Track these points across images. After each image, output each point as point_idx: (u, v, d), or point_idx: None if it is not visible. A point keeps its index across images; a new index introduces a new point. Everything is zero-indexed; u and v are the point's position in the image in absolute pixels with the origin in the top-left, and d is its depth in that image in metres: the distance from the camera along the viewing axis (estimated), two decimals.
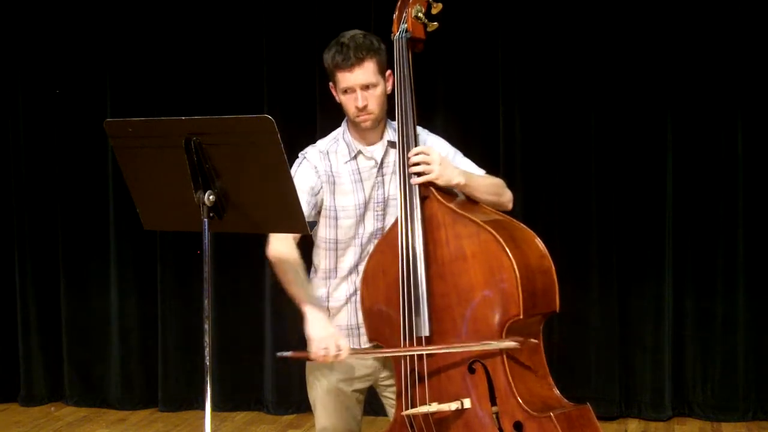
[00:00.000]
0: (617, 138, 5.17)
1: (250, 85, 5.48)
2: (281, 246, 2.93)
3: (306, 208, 2.87)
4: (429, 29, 2.97)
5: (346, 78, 2.89)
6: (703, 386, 5.21)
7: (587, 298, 5.22)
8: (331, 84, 2.98)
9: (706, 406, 5.20)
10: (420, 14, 2.95)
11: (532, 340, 2.74)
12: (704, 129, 5.13)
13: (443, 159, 2.89)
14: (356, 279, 3.00)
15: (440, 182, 2.85)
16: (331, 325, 2.91)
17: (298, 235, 2.94)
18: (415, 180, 2.85)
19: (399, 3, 2.99)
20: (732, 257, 5.12)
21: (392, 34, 2.97)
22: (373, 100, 2.91)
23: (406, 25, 2.95)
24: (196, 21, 5.55)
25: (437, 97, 5.25)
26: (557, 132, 5.25)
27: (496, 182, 3.04)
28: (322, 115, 5.23)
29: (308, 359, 2.87)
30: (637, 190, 5.19)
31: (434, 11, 2.98)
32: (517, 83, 5.24)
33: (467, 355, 2.78)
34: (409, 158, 2.86)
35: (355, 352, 2.94)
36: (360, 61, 2.86)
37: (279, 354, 2.86)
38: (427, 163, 2.84)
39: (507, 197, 3.04)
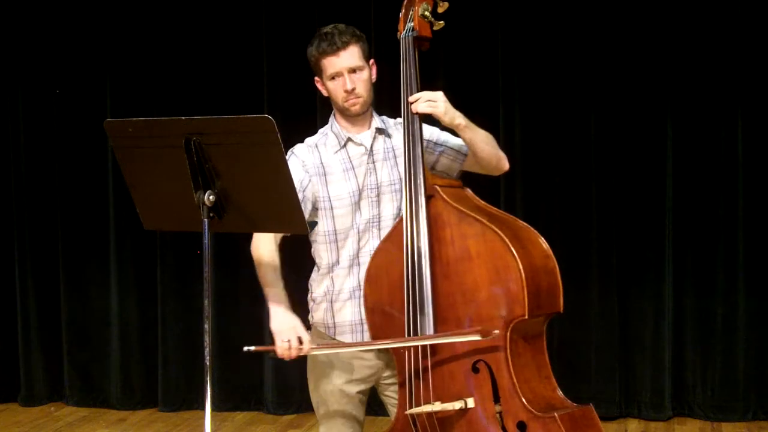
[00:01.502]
0: (617, 138, 5.17)
1: (250, 85, 5.48)
2: (263, 247, 2.96)
3: None
4: (435, 28, 2.97)
5: (333, 63, 2.92)
6: (703, 386, 5.21)
7: (587, 298, 5.22)
8: (316, 78, 3.00)
9: (706, 406, 5.20)
10: (426, 13, 2.95)
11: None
12: (704, 129, 5.13)
13: (447, 101, 2.89)
14: (358, 272, 2.99)
15: (446, 119, 2.86)
16: (294, 318, 2.88)
17: (280, 236, 2.97)
18: (422, 109, 2.86)
19: (405, 1, 2.99)
20: (732, 257, 5.12)
21: (398, 33, 2.97)
22: (361, 84, 2.94)
23: (412, 24, 2.94)
24: (195, 21, 5.55)
25: None
26: (557, 132, 5.25)
27: (492, 137, 3.04)
28: (322, 115, 5.22)
29: (273, 353, 2.85)
30: (637, 190, 5.19)
31: (440, 10, 2.98)
32: (517, 83, 5.24)
33: (471, 352, 2.77)
34: (410, 103, 2.87)
35: (320, 346, 2.94)
36: (345, 44, 2.91)
37: (245, 348, 2.84)
38: (433, 100, 2.86)
39: (502, 153, 3.05)
